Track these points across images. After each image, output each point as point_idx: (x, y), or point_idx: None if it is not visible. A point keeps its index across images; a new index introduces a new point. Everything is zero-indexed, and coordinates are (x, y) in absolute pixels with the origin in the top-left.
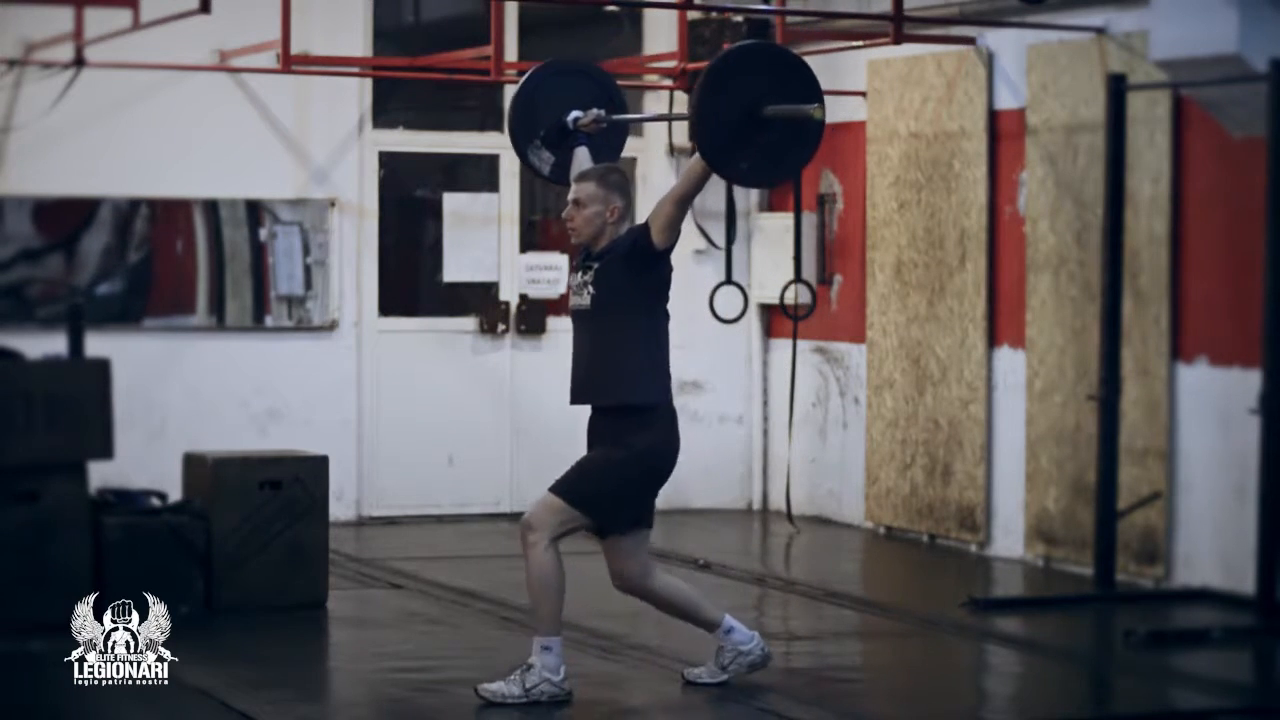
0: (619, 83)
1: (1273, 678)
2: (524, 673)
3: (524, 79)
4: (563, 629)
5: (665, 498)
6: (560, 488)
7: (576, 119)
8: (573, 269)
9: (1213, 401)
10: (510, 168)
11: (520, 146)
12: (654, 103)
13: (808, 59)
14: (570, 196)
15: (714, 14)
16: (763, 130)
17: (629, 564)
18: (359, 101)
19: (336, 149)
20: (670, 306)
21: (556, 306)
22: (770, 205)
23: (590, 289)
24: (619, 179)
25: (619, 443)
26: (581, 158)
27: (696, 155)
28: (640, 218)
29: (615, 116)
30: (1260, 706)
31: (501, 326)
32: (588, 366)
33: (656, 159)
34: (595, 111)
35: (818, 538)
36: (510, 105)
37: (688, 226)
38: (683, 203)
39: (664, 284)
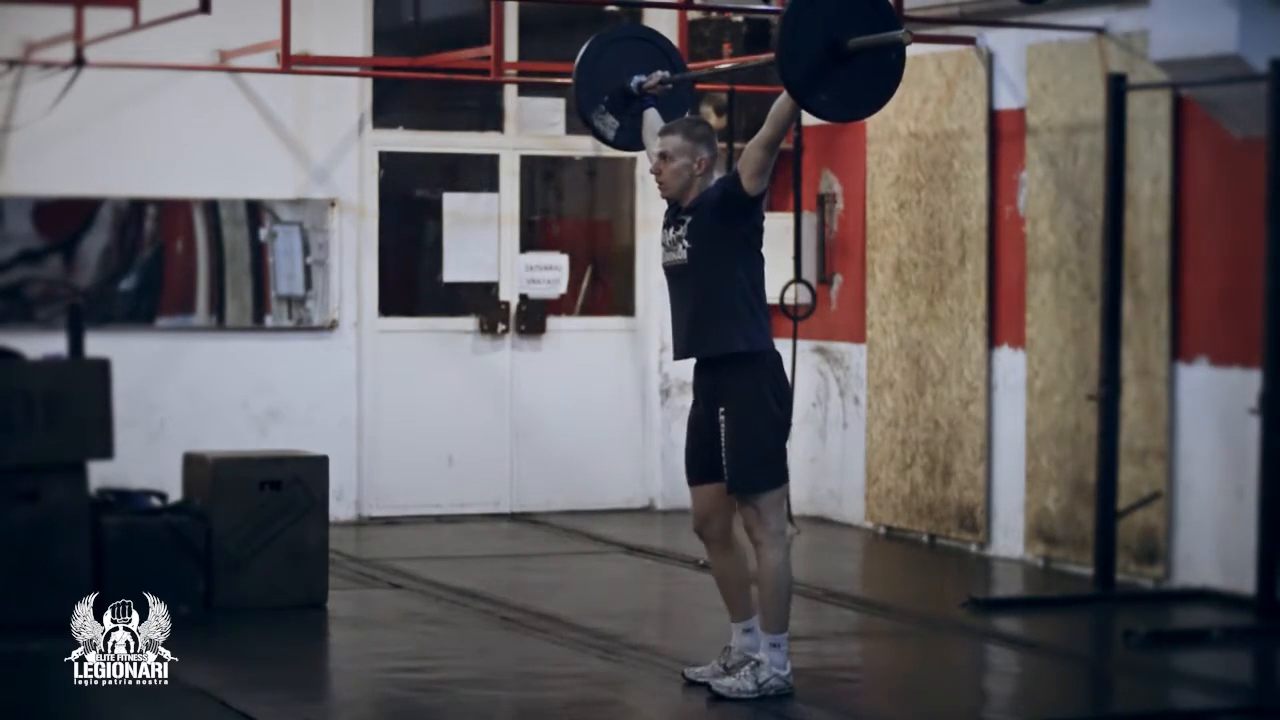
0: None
1: (1273, 678)
2: (754, 669)
3: (584, 49)
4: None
5: (664, 497)
6: (744, 485)
7: (640, 83)
8: (664, 225)
9: (1213, 401)
10: (510, 167)
11: (586, 114)
12: None
13: None
14: (656, 150)
15: (714, 14)
16: (845, 64)
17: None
18: (359, 101)
19: (336, 149)
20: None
21: (556, 306)
22: (770, 205)
23: (685, 243)
24: (705, 131)
25: (741, 401)
26: (652, 119)
27: (782, 96)
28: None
29: (679, 75)
30: (1260, 706)
31: (501, 326)
32: (691, 320)
33: None
34: (659, 74)
35: (818, 538)
36: (574, 75)
37: None
38: (771, 146)
39: (758, 231)
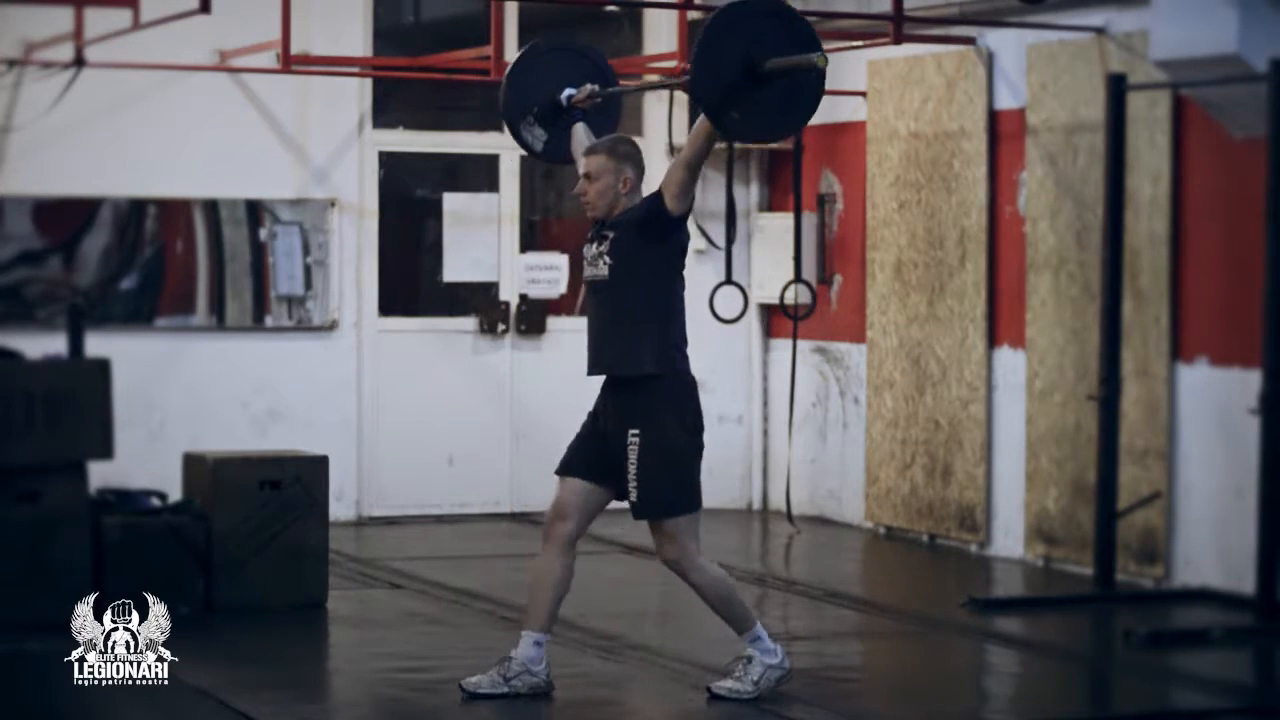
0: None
1: (1273, 678)
2: (746, 666)
3: (516, 57)
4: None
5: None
6: (655, 511)
7: (570, 96)
8: (588, 239)
9: (1213, 401)
10: (510, 167)
11: (513, 123)
12: (654, 102)
13: None
14: (581, 170)
15: None
16: (763, 86)
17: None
18: (359, 101)
19: (336, 149)
20: None
21: (556, 306)
22: (770, 205)
23: (606, 259)
24: (629, 149)
25: (651, 425)
26: (580, 133)
27: (701, 117)
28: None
29: (608, 90)
30: (1260, 706)
31: (501, 326)
32: (606, 336)
33: (656, 158)
34: (589, 87)
35: (818, 538)
36: (503, 82)
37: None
38: (691, 166)
39: (680, 251)
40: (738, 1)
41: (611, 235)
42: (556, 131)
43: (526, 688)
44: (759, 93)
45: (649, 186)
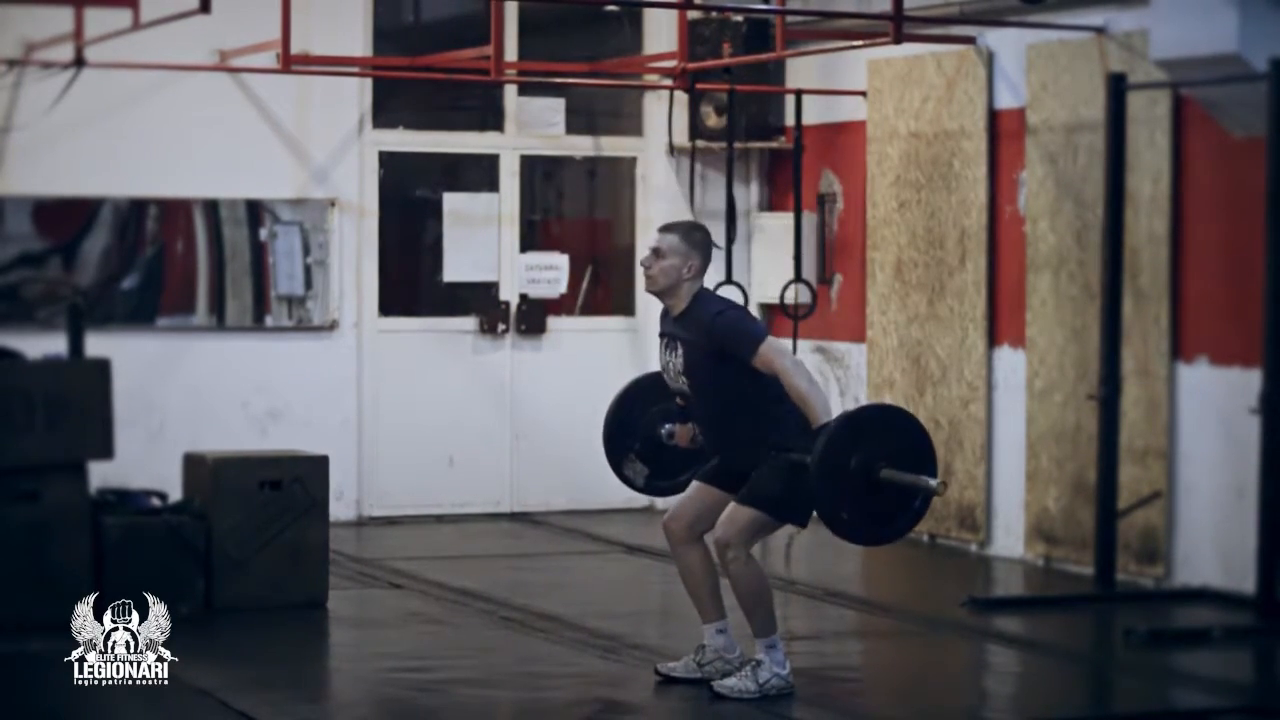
0: (619, 83)
1: (1273, 678)
2: (755, 669)
3: (617, 397)
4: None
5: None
6: (758, 498)
7: (671, 431)
8: (660, 334)
9: (1213, 401)
10: (510, 167)
11: (615, 461)
12: (654, 102)
13: (806, 59)
14: (652, 245)
15: (714, 14)
16: (874, 491)
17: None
18: (359, 101)
19: (336, 149)
20: None
21: (556, 306)
22: (770, 205)
23: (684, 378)
24: (703, 238)
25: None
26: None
27: (813, 417)
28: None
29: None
30: (1260, 706)
31: (501, 326)
32: (717, 437)
33: (657, 158)
34: (686, 430)
35: (818, 538)
36: (605, 422)
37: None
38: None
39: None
40: (868, 409)
41: (681, 347)
42: (657, 466)
43: (719, 674)
44: (866, 497)
45: (651, 184)
